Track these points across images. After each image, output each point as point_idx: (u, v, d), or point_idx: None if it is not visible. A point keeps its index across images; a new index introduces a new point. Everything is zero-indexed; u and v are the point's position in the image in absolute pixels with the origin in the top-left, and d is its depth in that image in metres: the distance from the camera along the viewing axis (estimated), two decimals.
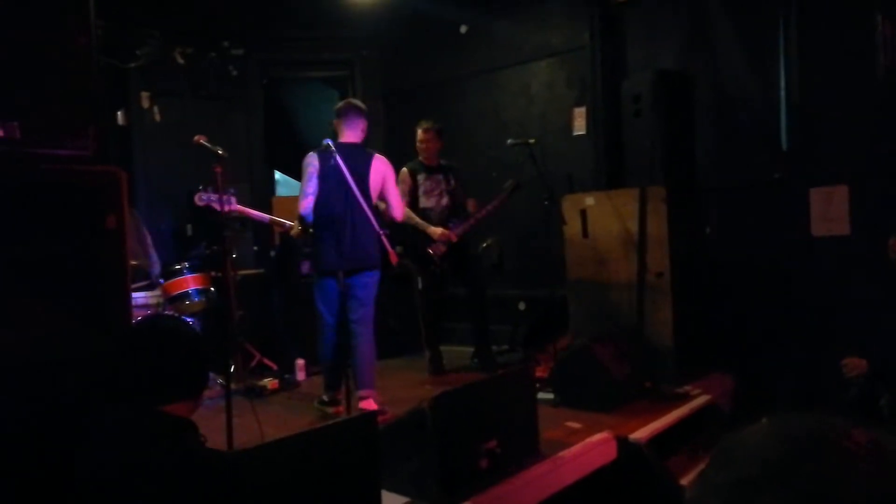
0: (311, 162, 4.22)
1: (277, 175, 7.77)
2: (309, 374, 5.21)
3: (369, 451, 2.50)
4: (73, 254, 2.42)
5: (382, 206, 4.44)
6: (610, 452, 3.58)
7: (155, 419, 1.79)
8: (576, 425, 3.78)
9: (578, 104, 6.03)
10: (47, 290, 2.35)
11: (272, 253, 6.07)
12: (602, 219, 4.97)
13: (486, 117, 6.59)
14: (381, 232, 4.16)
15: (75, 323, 2.39)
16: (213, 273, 4.95)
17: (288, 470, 2.18)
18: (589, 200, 5.07)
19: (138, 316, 3.50)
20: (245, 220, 4.90)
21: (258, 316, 5.62)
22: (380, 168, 4.31)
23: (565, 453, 3.37)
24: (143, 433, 1.77)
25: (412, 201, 5.18)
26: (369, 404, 4.14)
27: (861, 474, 0.63)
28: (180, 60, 6.33)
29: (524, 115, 6.36)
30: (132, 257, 3.38)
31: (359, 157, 4.20)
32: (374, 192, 4.26)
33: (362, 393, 4.18)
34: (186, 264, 4.83)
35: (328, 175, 4.15)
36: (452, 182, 5.32)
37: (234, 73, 6.69)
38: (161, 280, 4.83)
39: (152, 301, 4.82)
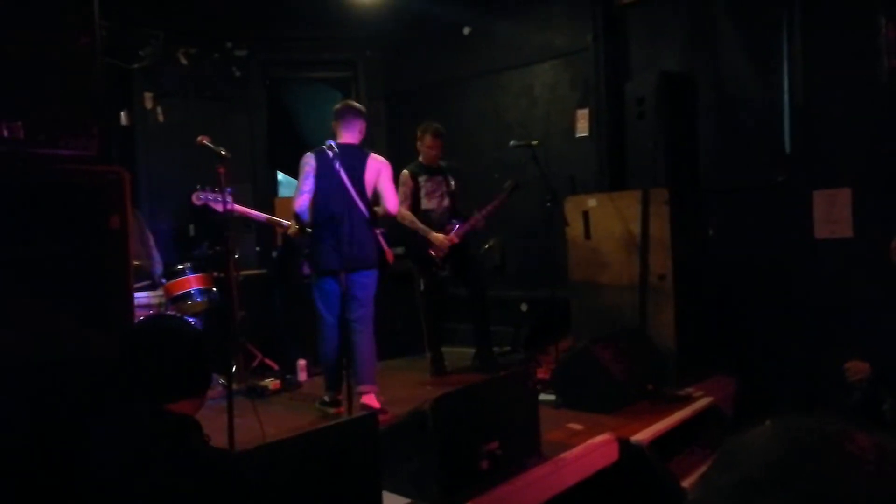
0: (308, 162, 4.28)
1: (280, 176, 7.78)
2: (310, 374, 5.22)
3: (370, 451, 2.50)
4: (75, 254, 2.42)
5: (380, 210, 4.43)
6: (611, 454, 3.58)
7: (159, 418, 1.80)
8: (577, 427, 3.78)
9: (581, 106, 6.03)
10: (50, 290, 2.36)
11: (274, 253, 6.08)
12: (604, 220, 4.96)
13: (489, 118, 6.60)
14: (378, 231, 4.21)
15: (77, 323, 2.39)
16: (215, 273, 4.96)
17: (289, 470, 2.18)
18: (591, 202, 5.06)
19: (140, 316, 3.51)
20: (248, 220, 4.91)
21: (260, 316, 5.63)
22: (374, 165, 4.35)
23: (567, 455, 3.37)
24: (147, 432, 1.78)
25: (414, 203, 5.18)
26: (370, 399, 4.18)
27: (863, 476, 0.63)
28: (183, 61, 6.35)
29: (527, 117, 6.36)
30: (134, 257, 3.39)
31: (355, 158, 4.24)
32: (369, 190, 4.31)
33: (363, 388, 4.20)
34: (189, 264, 4.84)
35: (325, 175, 4.20)
36: (452, 183, 5.32)
37: (237, 73, 6.71)
38: (163, 280, 4.83)
39: (154, 301, 4.82)
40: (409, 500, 2.82)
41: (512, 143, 5.13)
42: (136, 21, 5.95)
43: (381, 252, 4.36)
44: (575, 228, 5.08)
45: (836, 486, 0.63)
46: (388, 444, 2.82)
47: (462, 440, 2.92)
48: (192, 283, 4.78)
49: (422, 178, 5.22)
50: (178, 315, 4.58)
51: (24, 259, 2.30)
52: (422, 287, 5.24)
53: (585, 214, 5.05)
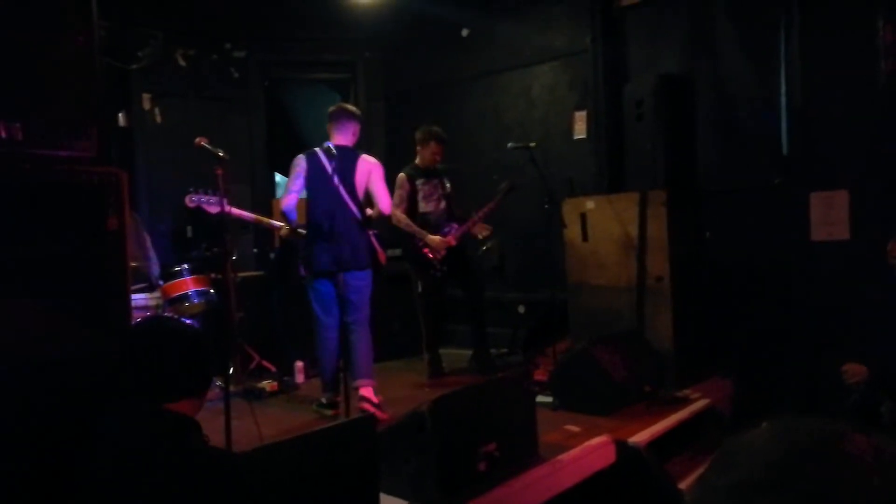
0: (299, 163, 4.35)
1: (278, 177, 7.78)
2: (308, 376, 5.21)
3: (368, 453, 2.50)
4: (73, 255, 2.42)
5: (373, 213, 4.46)
6: (609, 456, 3.58)
7: (159, 417, 1.80)
8: (575, 428, 3.78)
9: (580, 108, 6.04)
10: (48, 291, 2.35)
11: (272, 255, 6.07)
12: (602, 222, 4.97)
13: (488, 120, 6.60)
14: (371, 232, 4.24)
15: (75, 323, 2.39)
16: (212, 275, 4.96)
17: (287, 472, 2.18)
18: (589, 204, 5.07)
19: (138, 317, 3.50)
20: (246, 222, 4.91)
21: (258, 318, 5.62)
22: (365, 166, 4.38)
23: (564, 457, 3.36)
24: (147, 431, 1.78)
25: (411, 206, 5.18)
26: (368, 392, 4.23)
27: (862, 477, 0.63)
28: (182, 62, 6.35)
29: (525, 119, 6.37)
30: (131, 259, 3.38)
31: (346, 159, 4.27)
32: (361, 192, 4.34)
33: (360, 382, 4.24)
34: (186, 266, 4.83)
35: (316, 177, 4.27)
36: (447, 185, 5.33)
37: (236, 74, 6.71)
38: (160, 281, 4.83)
39: (152, 302, 4.81)
40: (406, 502, 2.82)
41: (510, 144, 5.13)
42: (134, 22, 5.95)
43: (374, 253, 4.38)
44: (573, 230, 5.08)
45: (834, 487, 0.63)
46: (385, 445, 2.82)
47: (460, 442, 2.92)
48: (189, 284, 4.78)
49: (419, 182, 5.22)
50: (176, 316, 4.58)
51: (23, 259, 2.30)
52: (419, 289, 5.24)
53: (583, 216, 5.05)
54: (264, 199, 6.70)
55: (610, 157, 5.73)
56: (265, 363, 5.35)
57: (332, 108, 4.53)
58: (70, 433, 2.16)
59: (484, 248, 5.86)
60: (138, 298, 4.61)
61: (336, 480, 2.36)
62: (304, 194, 4.44)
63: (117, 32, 5.72)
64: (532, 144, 4.97)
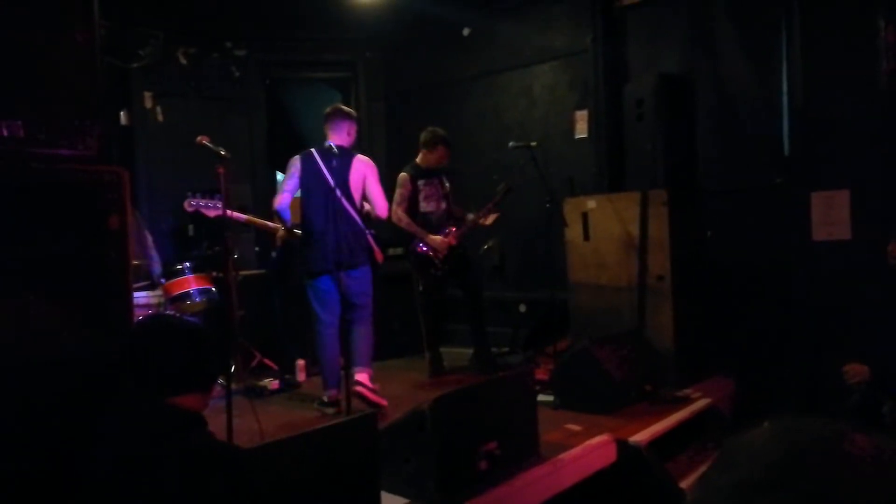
0: (294, 164, 4.40)
1: (279, 176, 7.77)
2: (309, 374, 5.22)
3: (369, 452, 2.50)
4: (75, 254, 2.42)
5: (369, 210, 4.48)
6: (610, 455, 3.58)
7: (165, 411, 1.81)
8: (576, 427, 3.78)
9: (580, 107, 6.04)
10: (49, 290, 2.35)
11: (273, 254, 6.08)
12: (603, 222, 4.97)
13: (488, 119, 6.60)
14: (368, 231, 4.25)
15: (77, 322, 2.39)
16: (214, 273, 4.96)
17: (288, 470, 2.18)
18: (590, 203, 5.07)
19: (139, 315, 3.51)
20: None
21: (259, 316, 5.62)
22: (360, 168, 4.39)
23: (565, 456, 3.37)
24: (154, 425, 1.78)
25: (412, 206, 5.18)
26: (364, 378, 4.26)
27: (862, 477, 0.63)
28: (183, 61, 6.35)
29: (526, 118, 6.36)
30: (132, 257, 3.39)
31: (340, 159, 4.29)
32: (356, 193, 4.36)
33: (357, 369, 4.27)
34: (188, 264, 4.84)
35: (310, 177, 4.32)
36: (447, 185, 5.33)
37: (237, 73, 6.71)
38: (162, 280, 4.83)
39: (153, 301, 4.82)
40: (407, 501, 2.82)
41: (511, 143, 5.13)
42: (135, 21, 5.96)
43: (372, 252, 4.40)
44: (574, 229, 5.08)
45: (835, 486, 0.63)
46: (386, 444, 2.82)
47: (460, 441, 2.92)
48: (191, 282, 4.78)
49: (420, 182, 5.22)
50: (178, 314, 4.59)
51: (24, 259, 2.30)
52: (420, 288, 5.24)
53: (584, 215, 5.05)
54: (265, 197, 6.70)
55: (610, 156, 5.73)
56: (266, 361, 5.36)
57: (327, 109, 4.57)
58: (72, 433, 2.17)
59: (485, 247, 5.86)
60: (140, 297, 4.63)
61: (337, 479, 2.36)
62: (298, 194, 4.46)
63: (118, 31, 5.73)
64: (533, 144, 4.97)
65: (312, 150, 4.41)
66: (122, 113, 6.10)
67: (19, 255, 2.29)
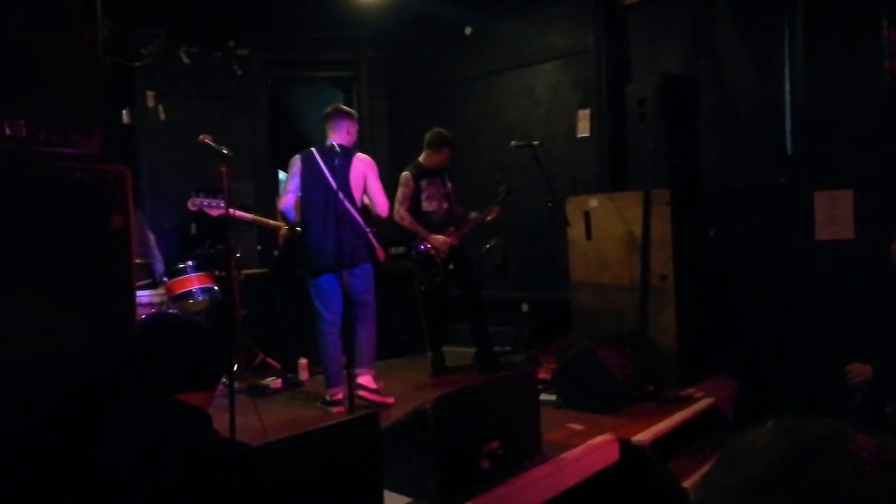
0: (295, 163, 4.42)
1: (281, 175, 7.78)
2: (312, 373, 5.22)
3: (371, 451, 2.50)
4: (77, 253, 2.42)
5: (369, 206, 4.50)
6: (612, 454, 3.58)
7: (171, 408, 1.81)
8: (578, 427, 3.78)
9: (582, 106, 6.03)
10: (51, 290, 2.36)
11: (275, 252, 6.08)
12: (605, 221, 4.96)
13: (490, 119, 6.60)
14: (368, 230, 4.30)
15: (79, 322, 2.39)
16: (216, 272, 4.97)
17: (290, 469, 2.18)
18: (592, 203, 5.07)
19: (142, 314, 3.51)
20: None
21: (261, 315, 5.63)
22: (360, 166, 4.41)
23: (567, 455, 3.37)
24: (161, 421, 1.79)
25: (414, 205, 5.18)
26: (366, 380, 4.32)
27: (864, 477, 0.63)
28: (185, 60, 6.35)
29: (528, 117, 6.36)
30: (135, 256, 3.39)
31: (340, 158, 4.32)
32: (356, 191, 4.38)
33: (359, 370, 4.32)
34: (190, 263, 4.84)
35: (311, 176, 4.34)
36: (449, 185, 5.33)
37: (239, 72, 6.72)
38: (164, 279, 4.84)
39: (156, 300, 4.82)
40: (409, 500, 2.82)
41: (513, 143, 5.13)
42: (138, 19, 5.96)
43: (373, 250, 4.41)
44: (576, 229, 5.08)
45: (837, 486, 0.63)
46: (388, 443, 2.82)
47: (463, 440, 2.93)
48: (193, 281, 4.79)
49: (423, 182, 5.22)
50: (181, 313, 4.60)
51: (26, 258, 2.31)
52: (422, 287, 5.24)
53: (587, 215, 5.05)
54: (267, 196, 6.71)
55: (612, 156, 5.73)
56: (269, 360, 5.37)
57: (327, 109, 4.60)
58: (73, 433, 2.17)
59: (487, 246, 5.86)
60: (142, 295, 4.63)
61: (339, 478, 2.36)
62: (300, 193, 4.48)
63: (121, 30, 5.73)
64: (535, 143, 4.97)
65: (312, 149, 4.43)
66: (124, 112, 6.10)
67: (21, 254, 2.29)
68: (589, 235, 5.05)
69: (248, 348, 5.21)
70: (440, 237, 5.11)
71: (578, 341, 4.85)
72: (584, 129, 6.03)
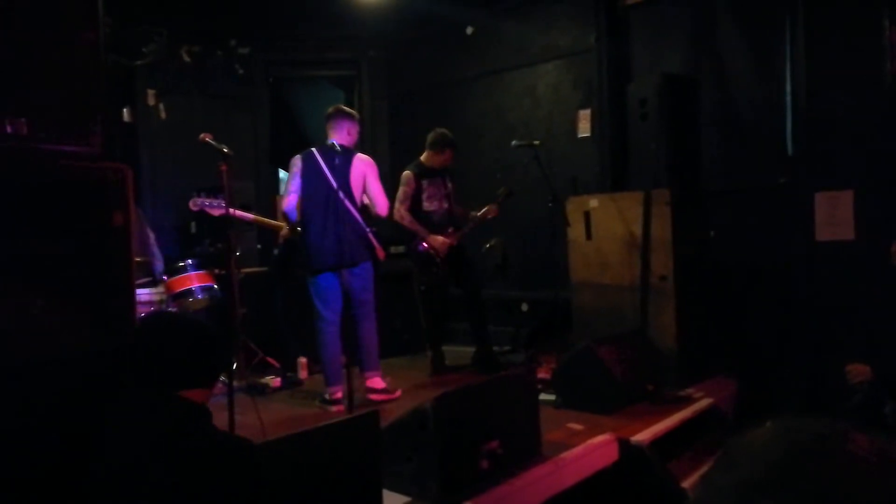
0: (296, 163, 4.45)
1: (282, 174, 7.78)
2: (311, 372, 5.22)
3: (371, 450, 2.50)
4: (78, 251, 2.42)
5: (369, 206, 4.52)
6: (612, 454, 3.58)
7: (174, 404, 1.82)
8: (578, 427, 3.78)
9: (584, 106, 6.03)
10: (52, 287, 2.36)
11: (275, 251, 6.08)
12: (606, 221, 4.96)
13: (491, 118, 6.60)
14: (369, 229, 4.35)
15: (80, 320, 2.39)
16: (216, 270, 4.97)
17: (289, 468, 2.18)
18: (593, 202, 5.06)
19: (141, 312, 3.51)
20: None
21: (261, 314, 5.63)
22: (360, 166, 4.43)
23: (567, 455, 3.37)
24: (164, 416, 1.79)
25: (415, 205, 5.18)
26: (376, 382, 4.42)
27: (864, 477, 0.63)
28: (187, 58, 6.35)
29: (529, 117, 6.36)
30: (135, 254, 3.39)
31: (340, 158, 4.33)
32: (356, 191, 4.40)
33: (367, 374, 4.43)
34: (190, 261, 4.84)
35: (311, 176, 4.36)
36: (449, 185, 5.33)
37: (241, 71, 6.72)
38: (164, 277, 4.84)
39: (156, 298, 4.82)
40: (409, 499, 2.82)
41: (514, 142, 5.13)
42: (139, 18, 5.96)
43: (373, 249, 4.42)
44: (576, 229, 5.08)
45: (837, 486, 0.63)
46: (388, 442, 2.82)
47: (462, 439, 2.93)
48: (193, 280, 4.79)
49: (424, 181, 5.22)
50: (181, 311, 4.60)
51: (27, 255, 2.31)
52: (422, 286, 5.24)
53: (587, 215, 5.04)
54: (267, 195, 6.71)
55: (613, 155, 5.73)
56: (268, 359, 5.36)
57: (328, 109, 4.62)
58: (74, 432, 2.17)
59: (487, 245, 5.86)
60: (142, 293, 4.63)
61: (338, 477, 2.36)
62: None
63: (122, 29, 5.72)
64: (536, 143, 4.97)
65: (313, 149, 4.45)
66: (125, 110, 6.10)
67: (22, 252, 2.29)
68: (589, 235, 5.05)
69: (247, 347, 5.21)
70: (439, 238, 5.11)
71: (578, 341, 4.85)
72: (584, 129, 6.03)
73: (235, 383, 3.68)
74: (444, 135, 5.24)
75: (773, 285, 4.97)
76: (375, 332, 4.51)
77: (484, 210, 5.21)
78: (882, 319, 3.82)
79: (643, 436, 3.64)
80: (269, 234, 6.19)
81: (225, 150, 3.49)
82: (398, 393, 4.51)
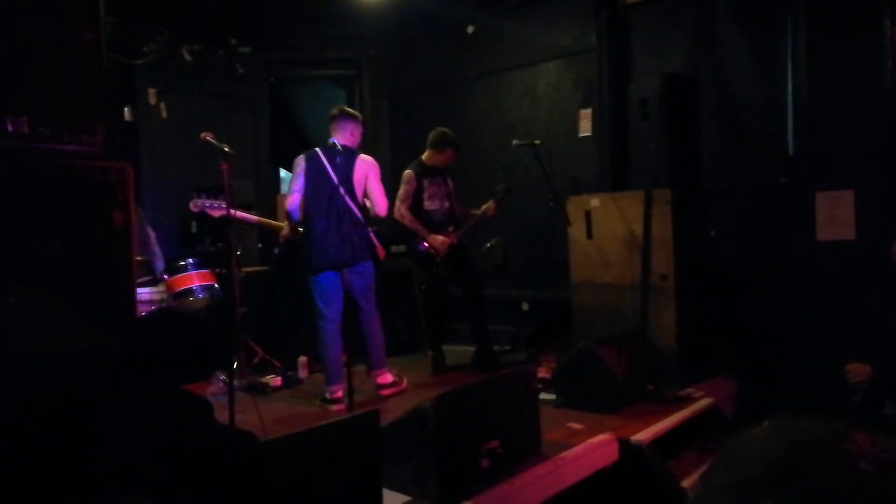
0: (300, 163, 4.48)
1: (282, 173, 7.79)
2: (311, 371, 5.23)
3: (371, 449, 2.50)
4: (78, 250, 2.42)
5: (369, 208, 4.55)
6: (611, 454, 3.58)
7: (177, 398, 1.82)
8: (578, 426, 3.78)
9: (584, 106, 6.03)
10: (52, 286, 2.36)
11: (276, 250, 6.08)
12: (607, 220, 4.96)
13: (492, 118, 6.59)
14: (370, 229, 4.42)
15: (80, 319, 2.39)
16: (217, 270, 4.97)
17: (290, 467, 2.19)
18: (594, 202, 5.06)
19: (142, 311, 3.51)
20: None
21: (261, 313, 5.63)
22: (363, 167, 4.47)
23: (567, 454, 3.37)
24: (167, 410, 1.80)
25: (415, 204, 5.18)
26: (385, 378, 4.54)
27: (861, 476, 0.64)
28: (188, 57, 6.35)
29: (530, 117, 6.36)
30: (135, 253, 3.40)
31: (344, 158, 4.35)
32: (358, 190, 4.44)
33: (375, 372, 4.55)
34: (191, 260, 4.84)
35: (315, 176, 4.38)
36: (451, 184, 5.33)
37: (241, 70, 6.72)
38: (164, 276, 4.84)
39: (156, 297, 4.82)
40: (409, 499, 2.83)
41: (515, 142, 5.13)
42: (140, 17, 5.96)
43: (373, 248, 4.44)
44: (577, 228, 5.08)
45: (835, 486, 0.63)
46: (388, 442, 2.82)
47: (462, 439, 2.93)
48: (194, 279, 4.78)
49: (426, 181, 5.22)
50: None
51: (27, 254, 2.31)
52: (423, 286, 5.25)
53: (588, 214, 5.05)
54: (268, 195, 6.71)
55: (614, 155, 5.72)
56: (269, 358, 5.36)
57: (333, 111, 4.64)
58: (75, 431, 2.17)
59: (488, 245, 5.86)
60: (142, 292, 4.63)
61: (338, 476, 2.37)
62: None
63: (123, 28, 5.73)
64: (537, 142, 4.97)
65: (317, 149, 4.46)
66: (125, 109, 6.10)
67: (22, 251, 2.30)
68: (590, 235, 5.05)
69: (247, 346, 5.21)
70: (439, 237, 5.11)
71: (579, 341, 4.85)
72: (585, 129, 6.02)
73: (236, 382, 3.68)
74: (446, 134, 5.24)
75: (773, 285, 4.97)
76: (381, 329, 4.58)
77: (483, 208, 5.22)
78: (882, 319, 3.82)
79: (643, 435, 3.65)
80: (269, 233, 6.19)
81: (226, 150, 3.49)
82: (405, 384, 4.64)
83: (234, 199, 4.29)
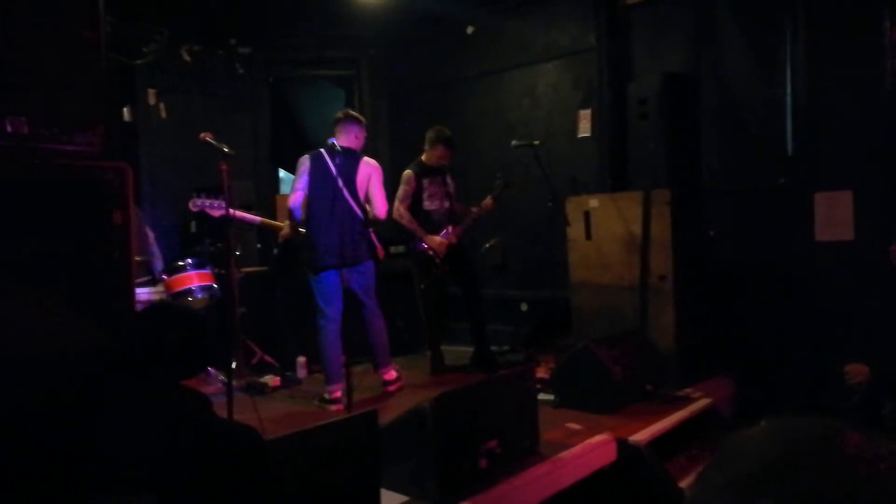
0: (304, 163, 4.52)
1: (282, 173, 7.79)
2: (310, 371, 5.23)
3: (370, 449, 2.51)
4: (78, 250, 2.43)
5: (369, 211, 4.56)
6: (610, 454, 3.59)
7: (178, 393, 1.83)
8: (576, 426, 3.78)
9: (584, 106, 6.03)
10: (51, 286, 2.36)
11: (275, 251, 6.08)
12: (606, 221, 4.97)
13: (491, 118, 6.59)
14: (370, 229, 4.45)
15: (79, 318, 2.39)
16: (216, 270, 4.97)
17: (289, 467, 2.19)
18: (593, 202, 5.07)
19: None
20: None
21: (260, 313, 5.63)
22: (366, 169, 4.52)
23: (565, 454, 3.37)
24: (170, 406, 1.80)
25: (415, 204, 5.18)
26: (390, 374, 4.67)
27: (859, 476, 0.64)
28: (187, 58, 6.35)
29: (529, 117, 6.36)
30: (134, 253, 3.40)
31: (348, 160, 4.39)
32: (361, 191, 4.48)
33: (382, 369, 4.67)
34: (190, 261, 4.84)
35: (319, 176, 4.41)
36: (450, 184, 5.33)
37: (241, 70, 6.72)
38: (163, 276, 4.84)
39: (155, 297, 4.82)
40: (407, 499, 2.83)
41: (514, 142, 5.13)
42: (140, 17, 5.96)
43: (374, 248, 4.46)
44: (576, 228, 5.08)
45: (832, 485, 0.63)
46: (387, 442, 2.82)
47: (461, 439, 2.93)
48: (193, 279, 4.78)
49: (425, 180, 5.22)
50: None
51: (26, 254, 2.31)
52: (421, 286, 5.25)
53: (587, 215, 5.05)
54: (268, 195, 6.71)
55: (613, 155, 5.72)
56: (267, 358, 5.36)
57: (338, 114, 4.69)
58: (75, 431, 2.17)
59: (487, 245, 5.86)
60: (142, 292, 4.63)
61: (337, 476, 2.37)
62: None
63: (123, 28, 5.72)
64: (536, 142, 4.97)
65: (322, 150, 4.48)
66: (125, 109, 6.10)
67: (22, 251, 2.30)
68: (589, 235, 5.05)
69: (246, 346, 5.21)
70: (437, 238, 5.11)
71: (577, 341, 4.86)
72: (585, 129, 6.02)
73: (234, 382, 3.68)
74: (439, 130, 5.24)
75: (772, 285, 4.97)
76: (385, 328, 4.65)
77: (481, 205, 5.21)
78: (881, 320, 3.82)
79: (641, 436, 3.65)
80: (269, 233, 6.19)
81: (225, 150, 3.50)
82: (403, 380, 4.79)
83: (234, 199, 4.30)
